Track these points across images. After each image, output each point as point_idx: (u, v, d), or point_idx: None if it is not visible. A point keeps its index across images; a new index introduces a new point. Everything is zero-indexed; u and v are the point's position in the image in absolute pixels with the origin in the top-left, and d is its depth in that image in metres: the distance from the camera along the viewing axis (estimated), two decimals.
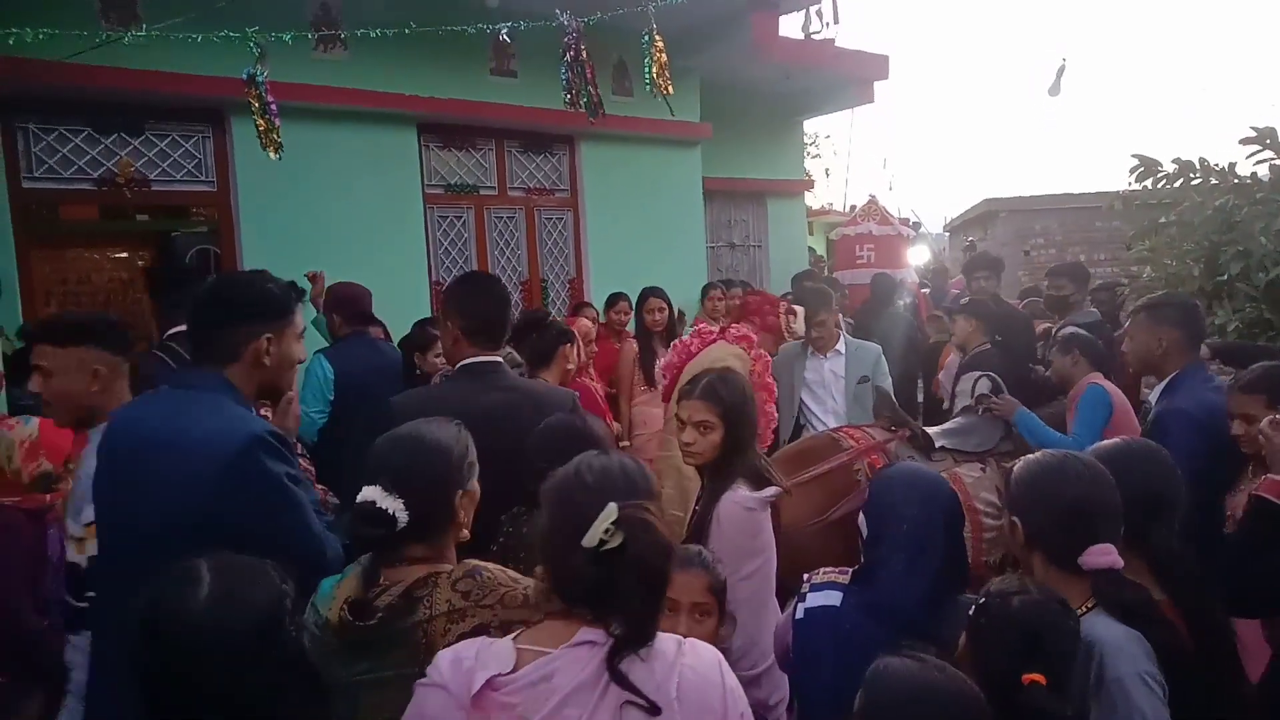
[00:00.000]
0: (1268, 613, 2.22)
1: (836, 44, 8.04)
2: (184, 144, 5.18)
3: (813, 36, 8.07)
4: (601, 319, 5.71)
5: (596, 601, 1.23)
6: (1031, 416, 3.48)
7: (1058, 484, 1.71)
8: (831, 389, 4.27)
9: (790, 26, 7.86)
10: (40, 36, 3.38)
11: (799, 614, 1.87)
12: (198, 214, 5.57)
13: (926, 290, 8.68)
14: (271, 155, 3.83)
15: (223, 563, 1.22)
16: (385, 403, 2.40)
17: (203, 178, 5.25)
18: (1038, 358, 4.74)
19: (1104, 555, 1.63)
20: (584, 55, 4.01)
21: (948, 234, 15.20)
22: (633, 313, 5.54)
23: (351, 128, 5.56)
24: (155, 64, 4.68)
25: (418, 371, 4.15)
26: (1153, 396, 3.05)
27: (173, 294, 3.82)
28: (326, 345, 4.12)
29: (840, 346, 4.35)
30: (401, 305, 5.07)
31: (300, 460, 2.29)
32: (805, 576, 1.96)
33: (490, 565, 1.56)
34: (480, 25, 4.22)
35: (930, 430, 3.44)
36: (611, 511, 1.20)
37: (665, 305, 5.23)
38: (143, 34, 3.97)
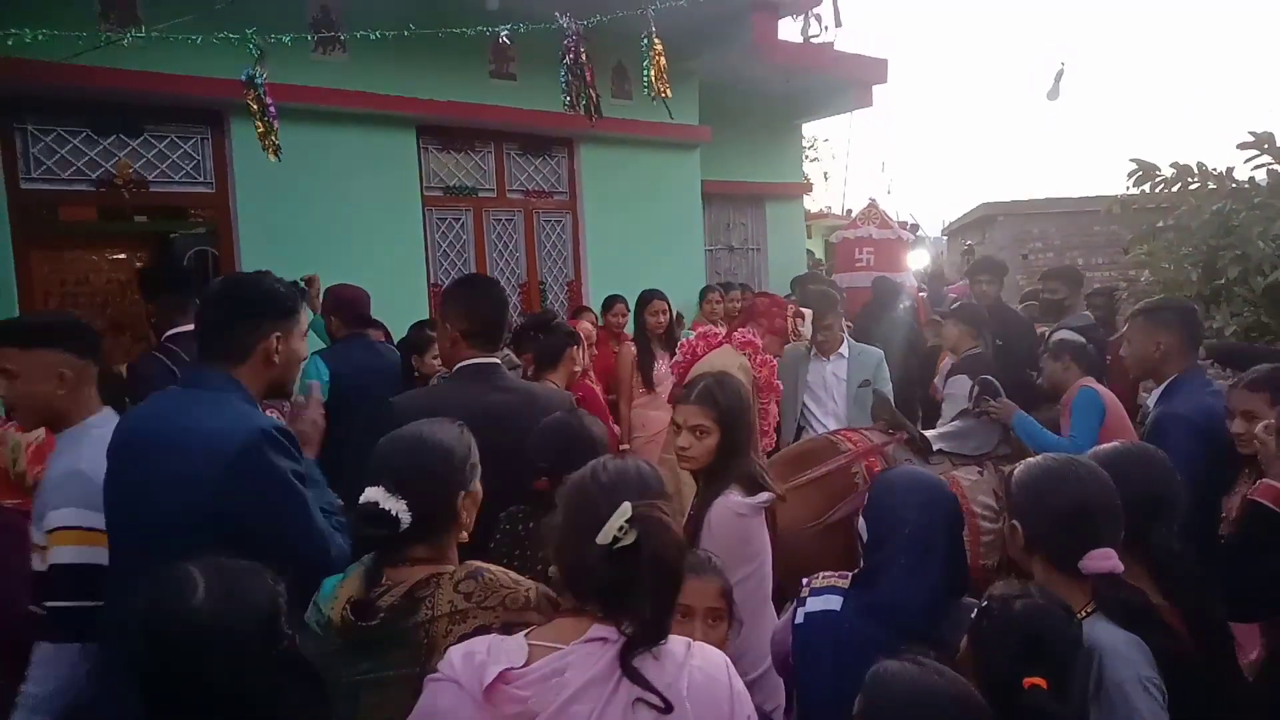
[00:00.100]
0: (1265, 616, 2.22)
1: (836, 47, 8.05)
2: (183, 145, 5.18)
3: (812, 40, 8.09)
4: (599, 322, 5.71)
5: (610, 599, 1.23)
6: (1029, 420, 3.48)
7: (1058, 488, 1.70)
8: (833, 391, 4.29)
9: (789, 31, 7.85)
10: (40, 37, 3.37)
11: (798, 618, 1.87)
12: (196, 215, 5.56)
13: (924, 294, 8.68)
14: (270, 157, 3.82)
15: (217, 564, 1.23)
16: (384, 404, 2.41)
17: (201, 179, 5.25)
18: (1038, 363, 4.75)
19: (1105, 560, 1.63)
20: (583, 58, 4.01)
21: (945, 238, 15.21)
22: (630, 315, 5.54)
23: (350, 130, 5.56)
24: (154, 65, 4.68)
25: (415, 374, 4.15)
26: (1150, 400, 3.06)
27: (169, 296, 3.79)
28: (324, 347, 4.11)
29: (844, 350, 4.38)
30: (400, 307, 5.06)
31: None
32: (804, 580, 1.95)
33: (492, 567, 1.56)
34: (480, 27, 4.22)
35: (928, 433, 3.44)
36: (626, 510, 1.21)
37: (667, 307, 5.23)
38: (142, 35, 3.96)
